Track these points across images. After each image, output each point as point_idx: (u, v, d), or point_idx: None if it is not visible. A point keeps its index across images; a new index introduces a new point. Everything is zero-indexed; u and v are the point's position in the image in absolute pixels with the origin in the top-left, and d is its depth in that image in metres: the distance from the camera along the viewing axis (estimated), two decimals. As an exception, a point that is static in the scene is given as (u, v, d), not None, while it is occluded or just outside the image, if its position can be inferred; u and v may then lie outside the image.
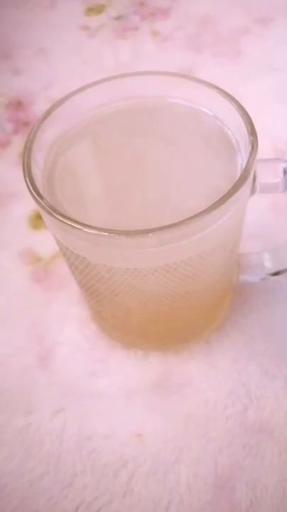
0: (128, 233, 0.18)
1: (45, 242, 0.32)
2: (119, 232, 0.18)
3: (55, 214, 0.19)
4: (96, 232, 0.18)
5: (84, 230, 0.18)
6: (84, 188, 0.22)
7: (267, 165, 0.21)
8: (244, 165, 0.19)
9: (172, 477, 0.24)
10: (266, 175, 0.21)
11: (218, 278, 0.24)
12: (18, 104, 0.42)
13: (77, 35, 0.48)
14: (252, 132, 0.20)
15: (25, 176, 0.20)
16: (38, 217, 0.34)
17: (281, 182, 0.21)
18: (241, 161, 0.21)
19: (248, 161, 0.19)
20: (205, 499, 0.24)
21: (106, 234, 0.18)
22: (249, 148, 0.20)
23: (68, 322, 0.30)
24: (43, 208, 0.19)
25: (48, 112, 0.22)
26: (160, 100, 0.24)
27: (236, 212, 0.20)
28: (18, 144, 0.39)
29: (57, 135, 0.23)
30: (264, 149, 0.21)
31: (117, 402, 0.27)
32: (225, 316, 0.29)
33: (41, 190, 0.20)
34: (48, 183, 0.22)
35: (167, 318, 0.25)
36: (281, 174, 0.21)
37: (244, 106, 0.21)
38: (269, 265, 0.26)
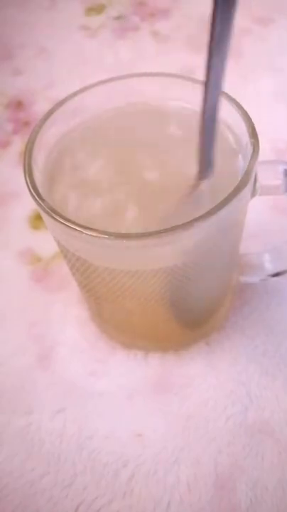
0: (129, 236, 0.18)
1: (45, 242, 0.32)
2: (119, 235, 0.18)
3: (55, 216, 0.19)
4: (96, 234, 0.18)
5: (85, 232, 0.18)
6: (84, 189, 0.22)
7: (268, 167, 0.21)
8: (245, 167, 0.19)
9: (172, 477, 0.24)
10: (267, 177, 0.21)
11: (218, 279, 0.24)
12: (18, 104, 0.42)
13: (78, 36, 0.47)
14: (253, 134, 0.20)
15: (25, 178, 0.20)
16: (38, 217, 0.34)
17: (282, 184, 0.21)
18: (242, 162, 0.21)
19: (249, 163, 0.19)
20: (205, 499, 0.24)
21: (107, 236, 0.18)
22: (250, 151, 0.20)
23: (68, 322, 0.30)
24: (44, 209, 0.19)
25: (49, 113, 0.22)
26: (160, 101, 0.24)
27: (237, 214, 0.20)
28: (18, 144, 0.39)
29: (58, 136, 0.23)
30: (264, 150, 0.21)
31: (117, 403, 0.27)
32: (225, 316, 0.29)
33: (41, 191, 0.20)
34: (49, 183, 0.22)
35: (167, 319, 0.25)
36: (282, 176, 0.21)
37: (244, 107, 0.21)
38: (269, 266, 0.26)
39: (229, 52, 0.16)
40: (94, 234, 0.18)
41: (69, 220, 0.18)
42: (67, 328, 0.29)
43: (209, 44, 0.15)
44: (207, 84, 0.17)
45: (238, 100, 0.22)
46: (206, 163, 0.20)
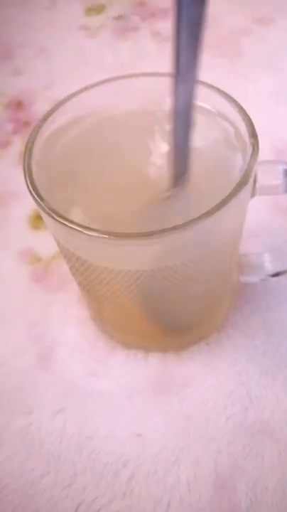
0: (129, 236, 0.18)
1: (45, 242, 0.32)
2: (119, 235, 0.18)
3: (55, 216, 0.19)
4: (96, 234, 0.18)
5: (85, 232, 0.18)
6: (85, 189, 0.22)
7: (267, 167, 0.21)
8: (245, 167, 0.19)
9: (172, 477, 0.24)
10: (267, 177, 0.21)
11: (218, 279, 0.24)
12: (18, 104, 0.42)
13: (77, 36, 0.47)
14: (253, 134, 0.20)
15: (25, 178, 0.20)
16: (38, 217, 0.34)
17: (282, 184, 0.21)
18: (242, 162, 0.21)
19: (249, 163, 0.19)
20: (205, 499, 0.24)
21: (107, 236, 0.18)
22: (250, 151, 0.20)
23: (68, 322, 0.30)
24: (44, 209, 0.19)
25: (49, 113, 0.22)
26: (160, 101, 0.24)
27: (237, 214, 0.20)
28: (18, 144, 0.39)
29: (58, 136, 0.23)
30: (264, 150, 0.21)
31: (117, 403, 0.27)
32: (225, 316, 0.29)
33: (41, 191, 0.20)
34: (48, 184, 0.22)
35: (167, 320, 0.25)
36: (281, 176, 0.21)
37: (244, 106, 0.21)
38: (269, 266, 0.26)
39: (202, 44, 0.14)
40: (94, 234, 0.18)
41: (68, 220, 0.18)
42: (67, 328, 0.29)
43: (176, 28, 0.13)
44: (176, 75, 0.15)
45: (238, 100, 0.22)
46: (180, 170, 0.19)
